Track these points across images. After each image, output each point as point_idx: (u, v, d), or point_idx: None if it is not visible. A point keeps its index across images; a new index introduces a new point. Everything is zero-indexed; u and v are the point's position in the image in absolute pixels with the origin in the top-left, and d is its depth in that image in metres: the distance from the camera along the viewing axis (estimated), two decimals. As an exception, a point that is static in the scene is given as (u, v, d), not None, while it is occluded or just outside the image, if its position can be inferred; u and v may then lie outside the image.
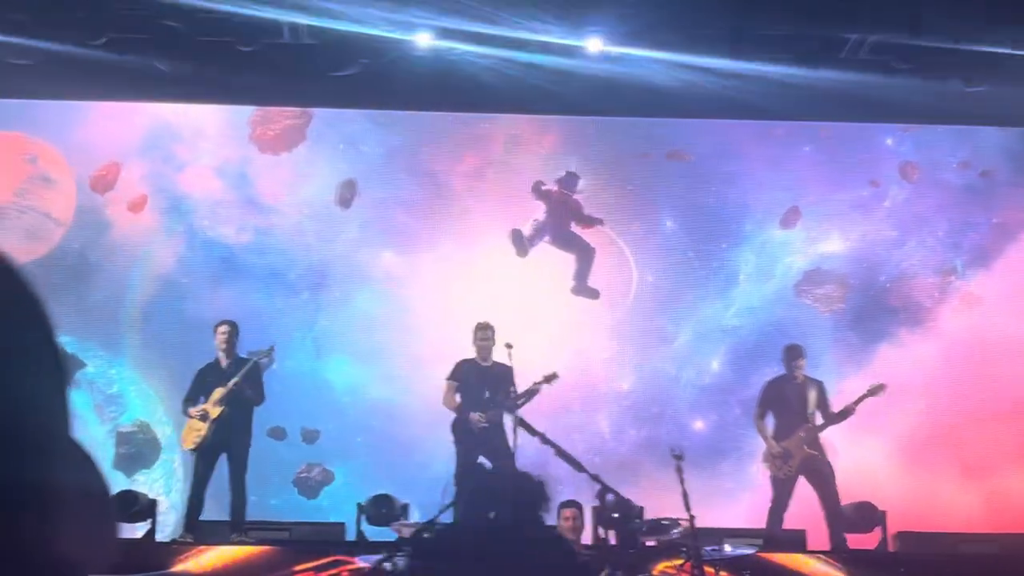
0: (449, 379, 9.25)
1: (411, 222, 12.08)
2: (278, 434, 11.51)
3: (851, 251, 12.07)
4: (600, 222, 12.02)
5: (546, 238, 12.03)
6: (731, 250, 12.02)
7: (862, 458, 10.60)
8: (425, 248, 11.97)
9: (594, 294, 11.86)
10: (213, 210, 11.95)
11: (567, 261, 11.99)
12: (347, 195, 12.10)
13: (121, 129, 12.09)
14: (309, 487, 11.46)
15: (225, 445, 9.20)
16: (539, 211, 12.13)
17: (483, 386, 8.96)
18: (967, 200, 12.21)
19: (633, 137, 12.22)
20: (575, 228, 12.08)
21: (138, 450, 11.28)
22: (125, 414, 11.35)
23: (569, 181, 12.23)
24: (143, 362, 11.46)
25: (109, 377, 11.55)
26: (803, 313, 11.83)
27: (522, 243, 11.91)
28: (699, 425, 11.37)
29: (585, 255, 11.99)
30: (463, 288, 11.75)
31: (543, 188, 12.15)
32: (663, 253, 12.02)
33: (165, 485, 10.41)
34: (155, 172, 12.00)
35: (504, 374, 8.87)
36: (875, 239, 12.06)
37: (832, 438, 10.05)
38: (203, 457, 9.18)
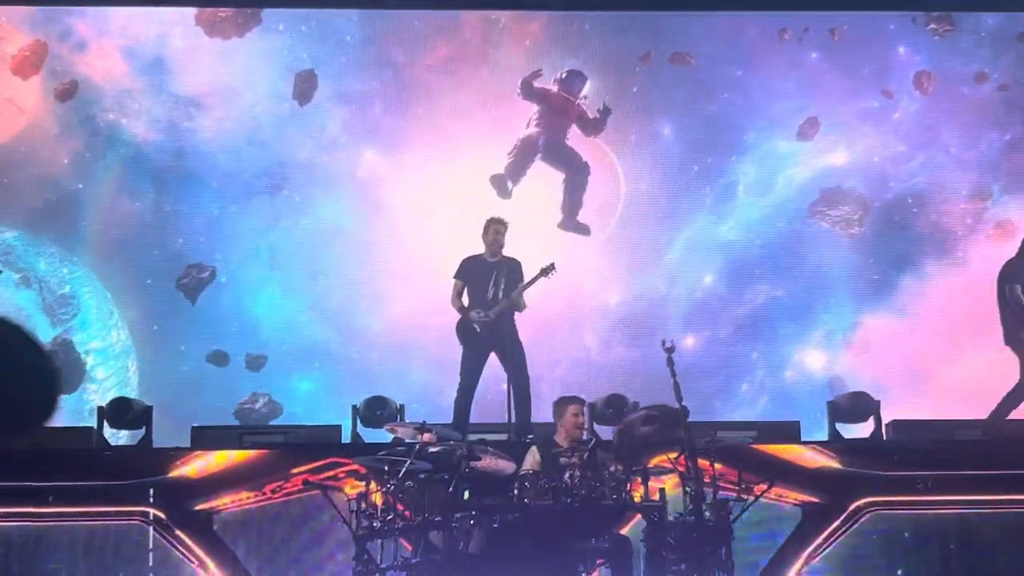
0: (455, 278, 10.32)
1: (384, 121, 13.12)
2: (220, 360, 12.65)
3: (864, 167, 13.14)
4: (608, 113, 12.79)
5: (537, 156, 12.90)
6: (731, 161, 13.19)
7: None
8: (398, 151, 13.00)
9: (584, 230, 12.86)
10: (157, 102, 12.98)
11: (557, 174, 13.01)
12: (306, 89, 13.07)
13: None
14: (253, 421, 12.31)
15: None
16: (531, 120, 12.91)
17: (490, 282, 10.08)
18: (993, 114, 13.27)
19: (631, 35, 13.26)
20: (571, 141, 12.96)
21: (57, 372, 12.35)
22: (77, 316, 12.57)
23: (572, 82, 12.96)
24: (101, 261, 12.65)
25: (61, 276, 12.74)
26: (814, 233, 13.00)
27: (505, 188, 12.79)
28: (690, 341, 12.69)
29: (578, 177, 12.84)
30: (438, 196, 12.90)
31: (539, 86, 12.87)
32: (657, 163, 13.15)
33: (118, 394, 11.38)
34: (90, 58, 12.95)
35: (513, 268, 10.16)
36: (888, 155, 13.13)
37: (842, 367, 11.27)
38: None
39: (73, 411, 11.75)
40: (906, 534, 9.00)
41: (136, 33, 13.07)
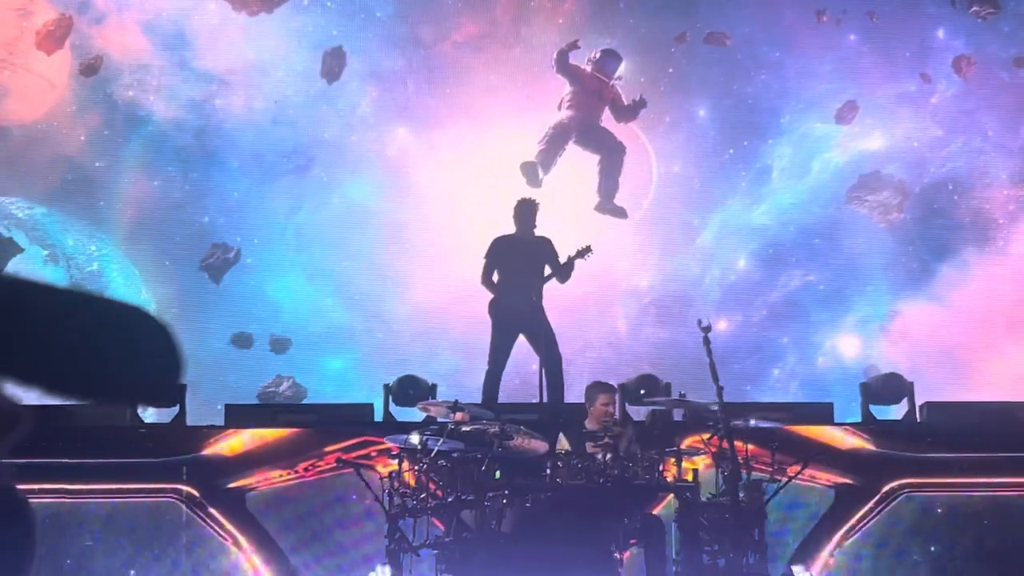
0: (486, 257, 10.39)
1: (415, 99, 13.26)
2: (244, 342, 12.84)
3: (902, 152, 13.21)
4: (643, 105, 12.52)
5: (571, 140, 12.69)
6: (767, 144, 13.32)
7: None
8: (429, 130, 13.14)
9: (621, 213, 12.80)
10: (180, 79, 13.14)
11: (588, 157, 12.96)
12: (334, 67, 13.23)
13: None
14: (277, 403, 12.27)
15: None
16: (563, 101, 12.66)
17: (522, 261, 10.18)
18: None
19: (667, 14, 13.32)
20: (604, 122, 12.79)
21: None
22: (105, 294, 12.67)
23: (606, 63, 12.75)
24: (126, 239, 12.87)
25: (89, 253, 12.98)
26: (850, 218, 13.11)
27: (535, 176, 12.54)
28: (722, 325, 12.61)
29: (613, 159, 12.67)
30: (469, 176, 13.05)
31: (573, 64, 12.64)
32: (692, 144, 13.28)
33: (146, 373, 11.50)
34: (109, 32, 13.08)
35: (545, 247, 10.29)
36: (926, 139, 13.19)
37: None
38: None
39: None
40: (939, 510, 9.11)
41: (158, 7, 13.19)
